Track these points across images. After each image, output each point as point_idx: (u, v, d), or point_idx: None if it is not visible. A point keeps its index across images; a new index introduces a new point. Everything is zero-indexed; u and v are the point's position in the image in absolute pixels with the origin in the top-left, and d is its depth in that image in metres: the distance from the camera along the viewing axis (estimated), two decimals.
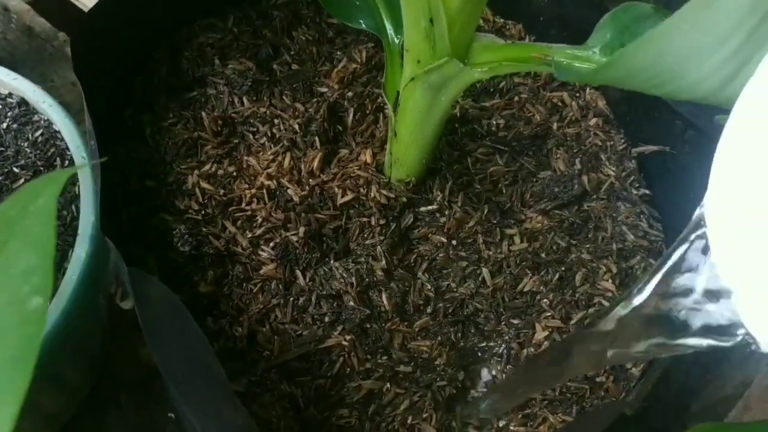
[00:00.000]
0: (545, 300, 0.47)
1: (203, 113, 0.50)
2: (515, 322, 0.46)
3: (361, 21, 0.44)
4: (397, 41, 0.42)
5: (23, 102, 0.61)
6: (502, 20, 0.58)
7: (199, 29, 0.54)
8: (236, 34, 0.54)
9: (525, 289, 0.47)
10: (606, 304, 0.47)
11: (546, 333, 0.46)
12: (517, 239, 0.49)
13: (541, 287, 0.47)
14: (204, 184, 0.47)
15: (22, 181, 0.57)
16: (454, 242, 0.48)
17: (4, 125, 0.59)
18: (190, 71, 0.52)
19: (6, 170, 0.57)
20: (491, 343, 0.46)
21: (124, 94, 0.50)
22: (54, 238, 0.25)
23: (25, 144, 0.59)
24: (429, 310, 0.47)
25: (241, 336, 0.44)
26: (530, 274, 0.47)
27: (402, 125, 0.44)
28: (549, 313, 0.46)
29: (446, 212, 0.49)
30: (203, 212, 0.47)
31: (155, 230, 0.45)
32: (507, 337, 0.46)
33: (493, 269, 0.48)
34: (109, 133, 0.48)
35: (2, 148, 0.59)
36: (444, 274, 0.48)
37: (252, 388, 0.43)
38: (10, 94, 0.60)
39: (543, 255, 0.48)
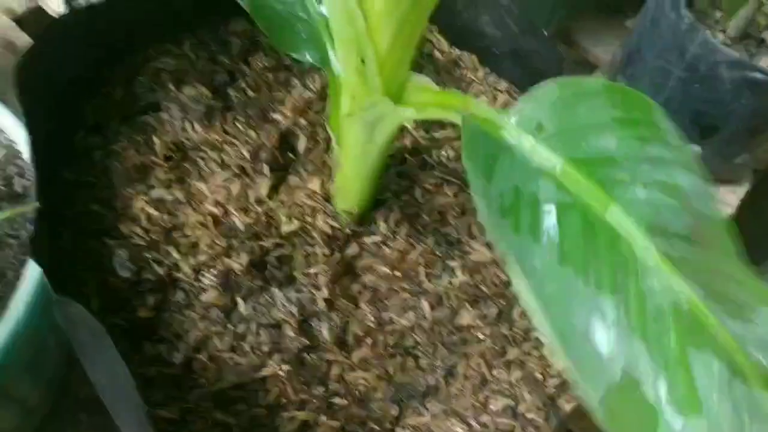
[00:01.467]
0: (480, 334, 0.47)
1: (155, 138, 0.51)
2: (450, 357, 0.47)
3: (306, 53, 0.44)
4: (342, 74, 0.43)
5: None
6: (458, 51, 0.59)
7: (155, 53, 0.54)
8: (192, 60, 0.55)
9: (463, 323, 0.47)
10: (541, 338, 0.47)
11: (475, 368, 0.46)
12: (458, 272, 0.49)
13: (478, 321, 0.47)
14: (149, 210, 0.48)
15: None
16: (397, 273, 0.49)
17: None
18: (144, 96, 0.53)
19: None
20: (428, 377, 0.46)
21: (76, 117, 0.50)
22: None
23: (14, 171, 0.59)
24: (369, 342, 0.47)
25: (178, 363, 0.44)
26: (469, 308, 0.48)
27: (343, 158, 0.44)
28: (483, 348, 0.46)
29: (390, 243, 0.49)
30: (147, 238, 0.47)
31: (97, 254, 0.46)
32: (441, 373, 0.46)
33: (433, 302, 0.48)
34: (59, 156, 0.49)
35: None
36: (386, 305, 0.48)
37: (184, 415, 0.43)
38: None
39: (484, 288, 0.49)
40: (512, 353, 0.47)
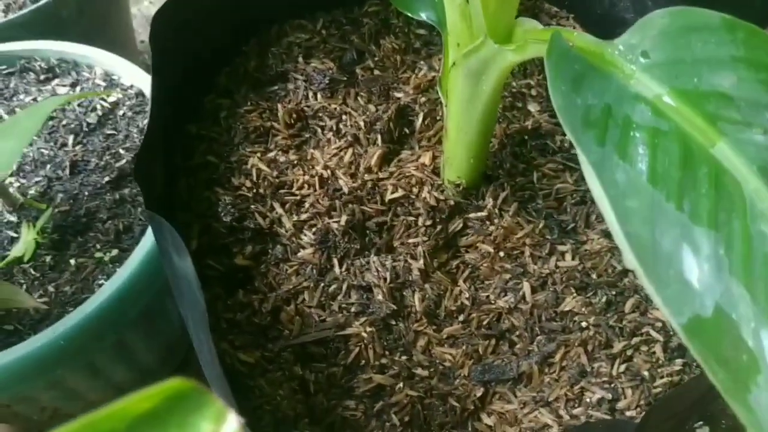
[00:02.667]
0: (585, 322, 0.42)
1: (279, 105, 0.53)
2: (548, 344, 0.42)
3: (422, 13, 0.44)
4: (448, 20, 0.42)
5: (141, 93, 0.67)
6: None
7: (289, 29, 0.57)
8: (324, 36, 0.56)
9: (566, 309, 0.43)
10: (654, 334, 0.41)
11: (574, 357, 0.41)
12: (568, 256, 0.45)
13: (583, 309, 0.43)
14: (262, 166, 0.49)
15: (124, 161, 0.62)
16: (501, 252, 0.46)
17: (121, 112, 0.66)
18: (274, 66, 0.55)
19: (114, 151, 0.63)
20: (521, 363, 0.42)
21: (209, 80, 0.54)
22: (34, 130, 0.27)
23: (135, 130, 0.65)
24: (461, 319, 0.44)
25: (266, 312, 0.44)
26: (575, 294, 0.43)
27: (449, 119, 0.43)
28: (586, 337, 0.42)
29: (496, 220, 0.47)
30: (255, 191, 0.48)
31: (206, 201, 0.47)
32: (536, 359, 0.42)
33: (536, 284, 0.44)
34: (186, 112, 0.52)
35: (115, 132, 0.65)
36: (485, 285, 0.46)
37: (263, 363, 0.42)
38: (131, 86, 0.67)
39: (594, 276, 0.44)
40: (618, 346, 0.41)
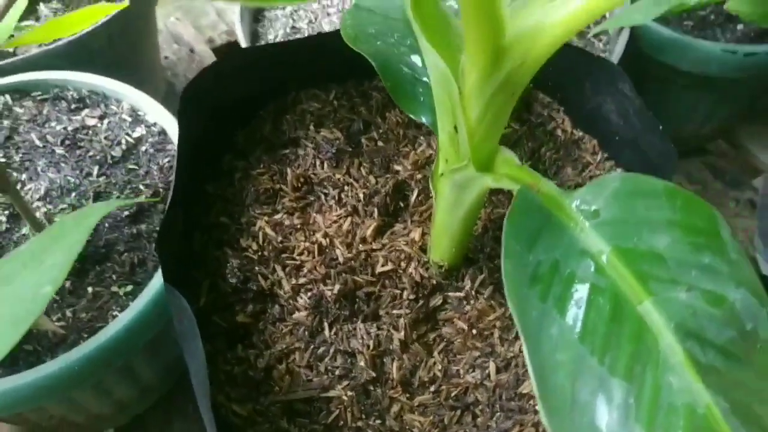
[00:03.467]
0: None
1: (289, 169, 0.58)
2: (505, 421, 0.48)
3: (423, 117, 0.49)
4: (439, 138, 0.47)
5: (163, 132, 0.72)
6: (580, 133, 0.61)
7: (304, 97, 0.62)
8: (335, 106, 0.62)
9: (524, 392, 0.49)
10: None
11: None
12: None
13: None
14: (268, 230, 0.54)
15: (143, 197, 0.68)
16: (473, 330, 0.51)
17: (144, 148, 0.71)
18: (287, 132, 0.60)
19: (134, 185, 0.69)
20: None
21: (227, 141, 0.59)
22: (80, 245, 0.33)
23: (155, 167, 0.70)
24: (433, 389, 0.50)
25: (260, 368, 0.50)
26: None
27: (436, 212, 0.48)
28: (538, 420, 0.47)
29: (472, 301, 0.52)
30: (260, 254, 0.53)
31: (215, 260, 0.53)
32: None
33: (500, 365, 0.50)
34: (206, 174, 0.57)
35: (137, 167, 0.70)
36: (457, 359, 0.51)
37: (254, 416, 0.48)
38: (155, 123, 0.72)
39: None
40: None
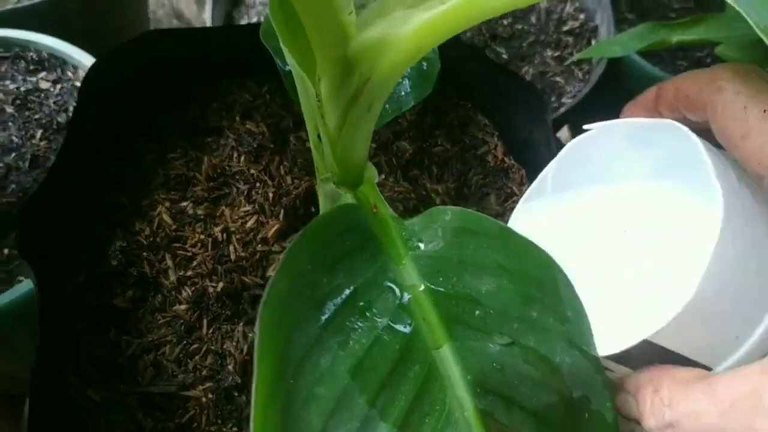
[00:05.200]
0: None
1: (206, 158, 0.56)
2: None
3: None
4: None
5: None
6: (511, 161, 0.58)
7: (236, 87, 0.60)
8: (267, 100, 0.60)
9: None
10: None
11: None
12: None
13: None
14: (165, 216, 0.53)
15: None
16: None
17: None
18: (212, 120, 0.59)
19: None
20: None
21: (143, 123, 0.58)
22: None
23: None
24: None
25: (128, 355, 0.48)
26: None
27: None
28: None
29: None
30: (151, 239, 0.52)
31: (103, 238, 0.52)
32: None
33: None
34: (109, 153, 0.56)
35: None
36: None
37: (108, 403, 0.47)
38: None
39: None
40: None
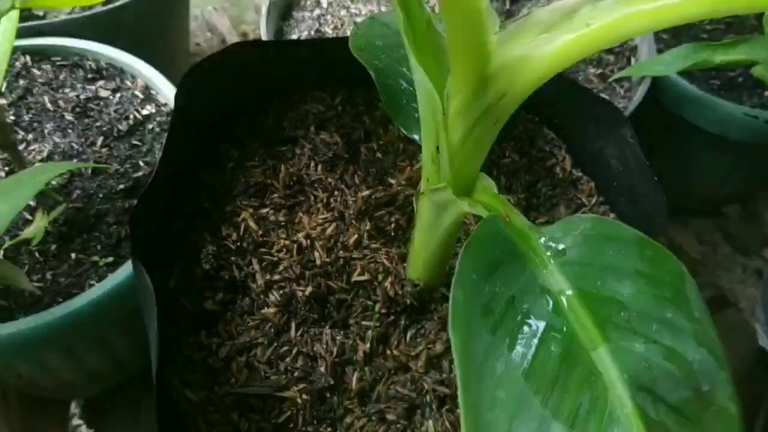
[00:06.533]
0: None
1: (283, 166, 0.58)
2: None
3: (415, 134, 0.49)
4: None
5: (172, 113, 0.72)
6: (579, 173, 0.60)
7: (309, 98, 0.62)
8: (339, 112, 0.62)
9: None
10: None
11: None
12: None
13: None
14: (250, 222, 0.54)
15: (141, 173, 0.68)
16: (435, 360, 0.51)
17: (150, 126, 0.72)
18: (287, 130, 0.60)
19: (135, 161, 0.69)
20: None
21: (227, 130, 0.59)
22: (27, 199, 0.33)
23: (158, 146, 0.70)
24: (389, 406, 0.49)
25: (221, 357, 0.49)
26: None
27: (416, 231, 0.48)
28: None
29: (439, 329, 0.51)
30: (238, 244, 0.53)
31: (194, 244, 0.53)
32: None
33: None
34: (200, 158, 0.57)
35: (140, 144, 0.71)
36: (417, 383, 0.50)
37: (206, 404, 0.48)
38: (165, 104, 0.73)
39: None
40: None
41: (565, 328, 0.32)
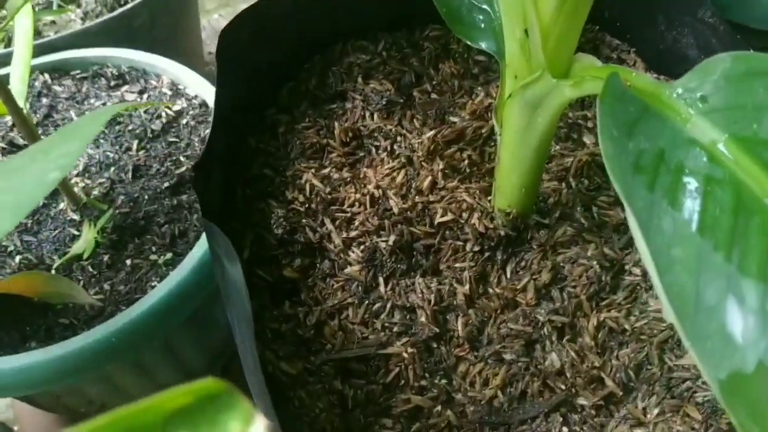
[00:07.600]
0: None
1: (336, 124, 0.54)
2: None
3: (482, 43, 0.45)
4: (506, 51, 0.42)
5: (204, 104, 0.69)
6: (655, 76, 0.55)
7: (351, 49, 0.58)
8: (384, 58, 0.58)
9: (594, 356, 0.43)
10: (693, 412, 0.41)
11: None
12: (614, 311, 0.45)
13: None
14: (315, 182, 0.50)
15: (183, 168, 0.64)
16: (544, 290, 0.46)
17: (185, 121, 0.68)
18: (334, 85, 0.56)
19: (175, 158, 0.65)
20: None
21: (271, 95, 0.55)
22: (95, 133, 0.29)
23: (196, 139, 0.67)
24: (504, 346, 0.44)
25: (310, 325, 0.45)
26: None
27: (503, 147, 0.43)
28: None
29: (547, 254, 0.46)
30: (307, 206, 0.49)
31: (260, 212, 0.49)
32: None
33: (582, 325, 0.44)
34: (248, 127, 0.53)
35: (178, 140, 0.67)
36: (530, 317, 0.45)
37: (304, 375, 0.43)
38: (196, 96, 0.69)
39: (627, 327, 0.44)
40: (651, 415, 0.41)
41: (728, 178, 0.27)
